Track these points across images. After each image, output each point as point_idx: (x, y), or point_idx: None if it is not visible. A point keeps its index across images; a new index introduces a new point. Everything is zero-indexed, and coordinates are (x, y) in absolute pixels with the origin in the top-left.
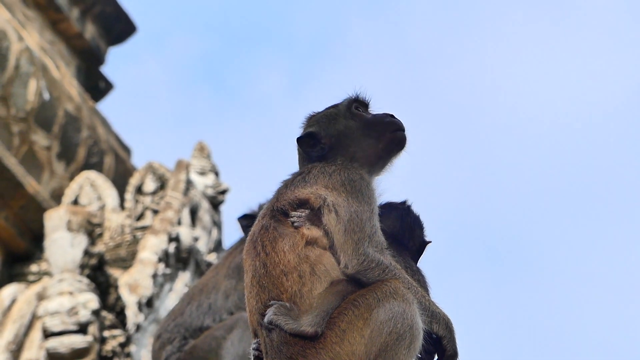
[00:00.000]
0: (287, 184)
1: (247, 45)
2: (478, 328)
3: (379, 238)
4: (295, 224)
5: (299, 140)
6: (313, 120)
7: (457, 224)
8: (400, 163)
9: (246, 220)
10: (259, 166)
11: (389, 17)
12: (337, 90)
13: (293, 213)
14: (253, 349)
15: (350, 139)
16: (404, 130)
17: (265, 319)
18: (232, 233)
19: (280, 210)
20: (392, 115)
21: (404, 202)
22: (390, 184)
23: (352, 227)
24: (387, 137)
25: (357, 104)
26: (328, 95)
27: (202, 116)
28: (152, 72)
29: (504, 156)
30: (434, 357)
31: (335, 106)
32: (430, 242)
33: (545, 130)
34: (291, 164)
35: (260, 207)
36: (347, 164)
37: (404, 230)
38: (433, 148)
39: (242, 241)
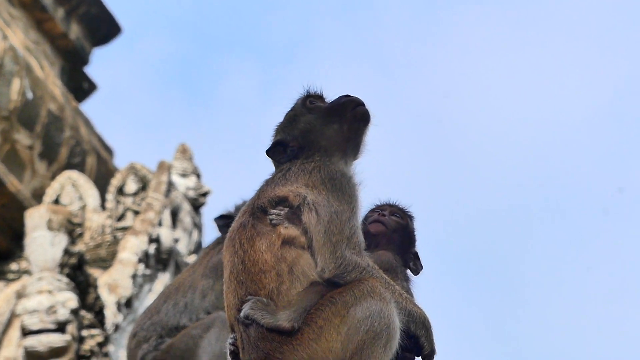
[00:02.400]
0: (268, 182)
1: (219, 47)
2: (456, 330)
3: (358, 239)
4: (273, 222)
5: (267, 152)
6: (277, 129)
7: (436, 230)
8: (373, 141)
9: (222, 221)
10: (239, 169)
11: (360, 20)
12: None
13: (272, 211)
14: (229, 343)
15: (314, 133)
16: (363, 105)
17: (242, 314)
18: (212, 235)
19: (259, 208)
20: (347, 95)
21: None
22: (370, 183)
23: (332, 228)
24: (349, 115)
25: (311, 99)
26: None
27: (181, 118)
28: (133, 74)
29: (482, 161)
30: (412, 356)
31: (291, 108)
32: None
33: (523, 135)
34: (269, 166)
35: (237, 208)
36: (325, 159)
37: (405, 238)
38: (405, 152)
39: (219, 241)
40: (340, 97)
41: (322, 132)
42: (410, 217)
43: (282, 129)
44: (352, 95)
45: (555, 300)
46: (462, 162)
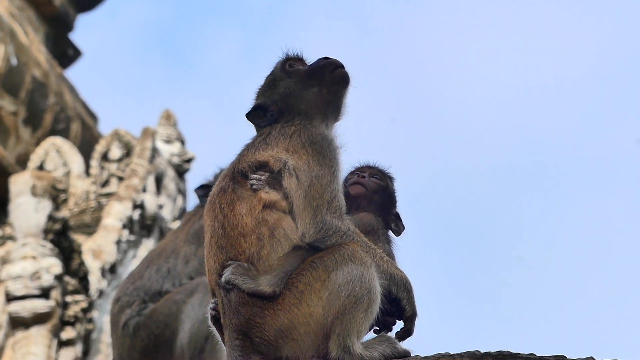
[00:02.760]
0: (249, 146)
1: (202, 14)
2: (437, 291)
3: (339, 202)
4: (254, 187)
5: (247, 116)
6: (258, 93)
7: (417, 191)
8: (353, 102)
9: (202, 191)
10: (223, 135)
11: None
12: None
13: (252, 176)
14: (211, 308)
15: (294, 96)
16: (342, 67)
17: (223, 279)
18: (196, 201)
19: (240, 172)
20: (326, 57)
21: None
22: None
23: (312, 193)
24: (328, 78)
25: (291, 62)
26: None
27: (166, 84)
28: (117, 40)
29: (463, 122)
30: (393, 320)
31: (271, 72)
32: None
33: (506, 95)
34: (251, 131)
35: (216, 177)
36: (306, 122)
37: (387, 199)
38: (386, 113)
39: (201, 207)
40: (319, 60)
41: (302, 95)
42: (390, 178)
43: (262, 92)
44: (331, 57)
45: (539, 260)
46: (443, 123)
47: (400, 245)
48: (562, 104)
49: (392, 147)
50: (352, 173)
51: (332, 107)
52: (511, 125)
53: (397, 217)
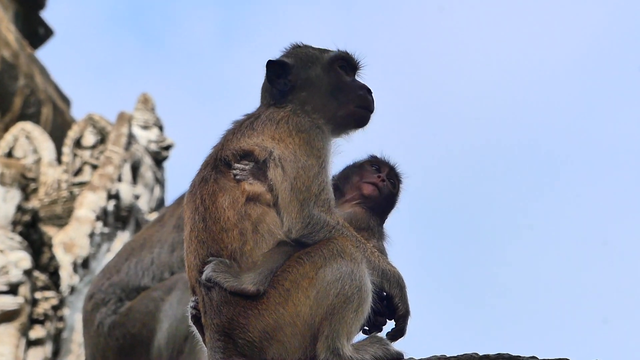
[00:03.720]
0: (235, 130)
1: None
2: (429, 289)
3: (327, 195)
4: (237, 177)
5: (269, 63)
6: (294, 52)
7: (414, 172)
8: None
9: None
10: (203, 119)
11: None
12: (269, 38)
13: (236, 165)
14: (191, 307)
15: (315, 90)
16: (370, 111)
17: (203, 276)
18: (175, 191)
19: (223, 161)
20: (368, 91)
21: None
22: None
23: (299, 185)
24: (350, 108)
25: (343, 62)
26: (260, 44)
27: (143, 67)
28: (91, 19)
29: (459, 103)
30: (384, 319)
31: (322, 51)
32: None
33: (501, 75)
34: (234, 115)
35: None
36: (299, 110)
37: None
38: (383, 94)
39: None
40: (362, 87)
41: (322, 97)
42: (402, 187)
43: (297, 57)
44: (372, 95)
45: (531, 243)
46: (439, 104)
47: (395, 240)
48: (563, 81)
49: (390, 129)
50: (370, 164)
51: (336, 129)
52: (512, 103)
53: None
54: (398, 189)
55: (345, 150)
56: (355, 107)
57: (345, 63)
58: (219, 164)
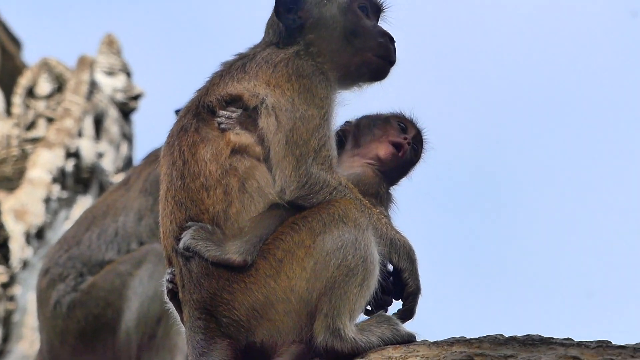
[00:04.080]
0: (223, 73)
1: None
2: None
3: (328, 152)
4: (222, 126)
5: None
6: None
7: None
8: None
9: None
10: (179, 65)
11: None
12: None
13: (221, 112)
14: (167, 280)
15: (328, 32)
16: (390, 63)
17: (181, 244)
18: (146, 148)
19: (206, 107)
20: (391, 39)
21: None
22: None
23: (295, 138)
24: (367, 56)
25: (365, 2)
26: None
27: (107, 3)
28: None
29: (479, 63)
30: (389, 298)
31: None
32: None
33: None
34: (217, 58)
35: None
36: (303, 52)
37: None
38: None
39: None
40: (384, 34)
41: (335, 40)
42: (424, 157)
43: None
44: (394, 45)
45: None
46: (469, 64)
47: (404, 208)
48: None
49: (410, 87)
50: (397, 120)
51: (348, 79)
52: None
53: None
54: (419, 157)
55: (353, 104)
56: (374, 56)
57: (367, 3)
58: (201, 110)
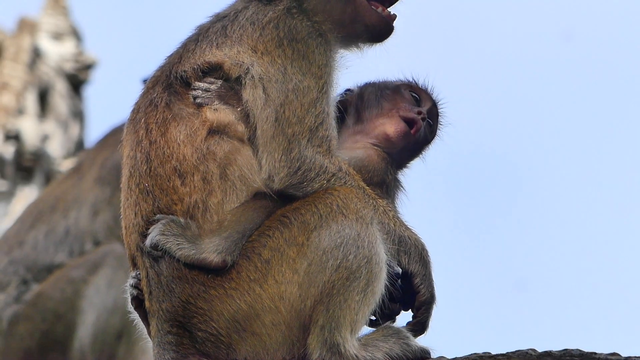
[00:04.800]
0: (199, 38)
1: None
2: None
3: (327, 132)
4: (198, 101)
5: None
6: None
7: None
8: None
9: None
10: (142, 27)
11: None
12: None
13: (197, 84)
14: (130, 285)
15: None
16: (390, 22)
17: (148, 241)
18: (102, 128)
19: (180, 78)
20: None
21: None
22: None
23: (287, 114)
24: (372, 14)
25: None
26: None
27: None
28: None
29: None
30: (398, 307)
31: None
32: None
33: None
34: (185, 22)
35: None
36: (295, 10)
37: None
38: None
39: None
40: None
41: None
42: (440, 134)
43: None
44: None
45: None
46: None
47: (416, 199)
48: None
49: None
50: (409, 89)
51: (347, 38)
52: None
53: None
54: (435, 135)
55: (355, 68)
56: (376, 15)
57: None
58: (173, 82)
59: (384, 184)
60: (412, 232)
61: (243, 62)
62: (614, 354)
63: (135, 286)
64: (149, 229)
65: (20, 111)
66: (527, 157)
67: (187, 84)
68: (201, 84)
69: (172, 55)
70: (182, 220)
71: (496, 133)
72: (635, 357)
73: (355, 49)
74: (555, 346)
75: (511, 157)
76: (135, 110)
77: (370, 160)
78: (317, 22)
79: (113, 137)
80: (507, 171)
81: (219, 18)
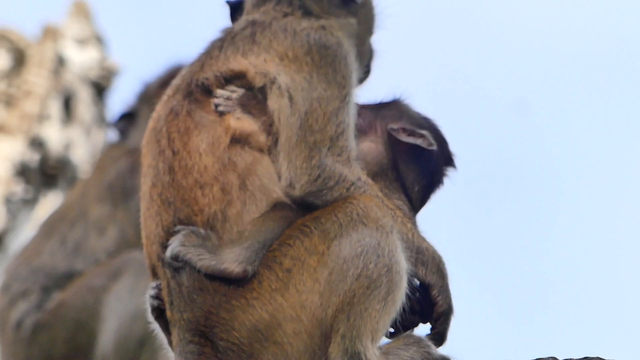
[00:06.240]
0: (224, 43)
1: None
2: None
3: (346, 142)
4: (220, 109)
5: None
6: None
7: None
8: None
9: (124, 123)
10: (165, 34)
11: None
12: None
13: (219, 92)
14: (151, 296)
15: (373, 16)
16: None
17: (168, 252)
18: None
19: (201, 85)
20: None
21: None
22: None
23: (311, 122)
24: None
25: None
26: None
27: None
28: None
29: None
30: (416, 318)
31: None
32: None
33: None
34: (212, 27)
35: (144, 97)
36: (333, 28)
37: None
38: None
39: (120, 143)
40: None
41: (373, 19)
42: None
43: None
44: None
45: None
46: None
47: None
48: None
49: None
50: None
51: (364, 13)
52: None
53: None
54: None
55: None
56: None
57: None
58: (194, 90)
59: (382, 173)
60: (429, 244)
61: (269, 72)
62: None
63: (156, 296)
64: (169, 239)
65: (44, 118)
66: (555, 166)
67: (208, 92)
68: (223, 92)
69: (194, 62)
70: (202, 231)
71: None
72: None
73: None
74: (576, 354)
75: (536, 166)
76: (156, 119)
77: (367, 151)
78: (338, 28)
79: (112, 150)
80: (528, 181)
81: (250, 23)
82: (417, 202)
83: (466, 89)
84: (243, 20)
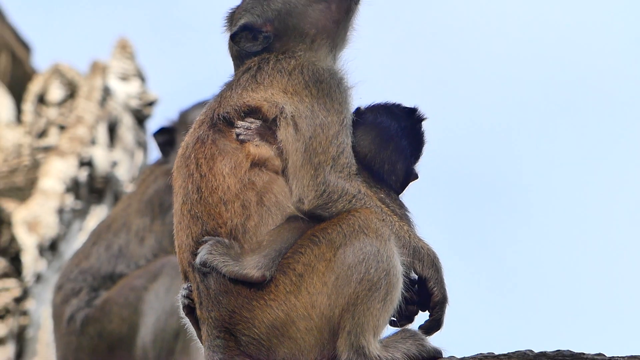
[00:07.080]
0: (233, 85)
1: None
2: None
3: (347, 160)
4: (241, 138)
5: (233, 37)
6: (240, 11)
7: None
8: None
9: (163, 136)
10: (196, 70)
11: None
12: None
13: (240, 123)
14: (183, 296)
15: (295, 14)
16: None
17: (198, 259)
18: (156, 153)
19: (223, 118)
20: None
21: (408, 110)
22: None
23: (315, 146)
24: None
25: None
26: None
27: (121, 5)
28: None
29: (478, 56)
30: (415, 308)
31: None
32: (417, 177)
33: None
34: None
35: (183, 115)
36: (309, 53)
37: (398, 152)
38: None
39: (159, 164)
40: None
41: (305, 13)
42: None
43: (249, 8)
44: None
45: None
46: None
47: (419, 209)
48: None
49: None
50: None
51: (341, 30)
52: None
53: None
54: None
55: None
56: None
57: None
58: (217, 121)
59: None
60: (424, 242)
61: (278, 102)
62: (599, 354)
63: (187, 296)
64: (198, 248)
65: (92, 141)
66: (523, 165)
67: (230, 124)
68: (243, 123)
69: (211, 102)
70: (226, 241)
71: (499, 140)
72: (619, 357)
73: (350, 35)
74: (550, 347)
75: (509, 164)
76: (185, 147)
77: (357, 140)
78: (327, 58)
79: (150, 172)
80: (502, 176)
81: (246, 69)
82: (401, 176)
83: (464, 89)
84: (239, 71)
